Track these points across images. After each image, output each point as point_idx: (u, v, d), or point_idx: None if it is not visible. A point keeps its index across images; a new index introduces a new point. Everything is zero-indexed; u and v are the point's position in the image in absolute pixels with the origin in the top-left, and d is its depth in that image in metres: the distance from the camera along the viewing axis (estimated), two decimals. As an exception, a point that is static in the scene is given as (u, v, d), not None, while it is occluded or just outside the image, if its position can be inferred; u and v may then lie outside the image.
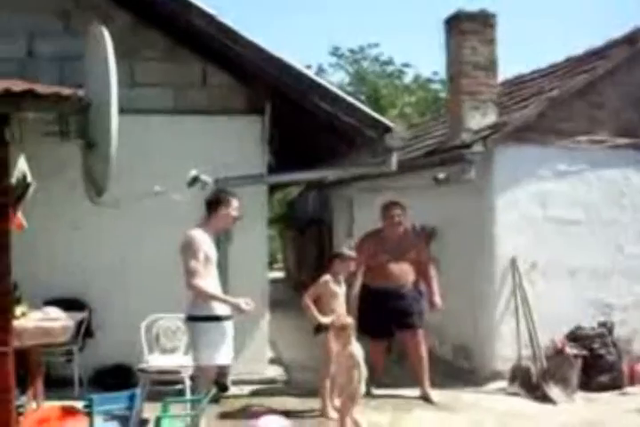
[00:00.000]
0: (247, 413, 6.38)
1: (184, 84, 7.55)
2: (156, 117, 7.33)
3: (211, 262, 5.63)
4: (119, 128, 5.25)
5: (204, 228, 5.65)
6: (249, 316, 5.82)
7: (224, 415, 6.42)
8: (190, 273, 5.47)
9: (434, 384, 7.17)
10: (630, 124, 7.91)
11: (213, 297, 5.55)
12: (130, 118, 6.19)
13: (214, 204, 5.73)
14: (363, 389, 5.72)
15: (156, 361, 6.30)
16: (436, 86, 23.15)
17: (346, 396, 5.74)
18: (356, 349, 5.79)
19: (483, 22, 8.22)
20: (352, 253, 6.62)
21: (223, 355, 5.58)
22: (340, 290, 6.51)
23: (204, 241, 5.57)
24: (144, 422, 5.46)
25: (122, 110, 5.50)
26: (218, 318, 5.52)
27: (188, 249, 5.51)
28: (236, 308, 5.54)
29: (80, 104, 4.58)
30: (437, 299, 7.18)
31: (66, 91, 4.52)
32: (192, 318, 5.60)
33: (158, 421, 5.00)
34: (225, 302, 5.57)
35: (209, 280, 5.58)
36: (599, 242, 7.88)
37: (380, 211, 7.32)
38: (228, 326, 5.62)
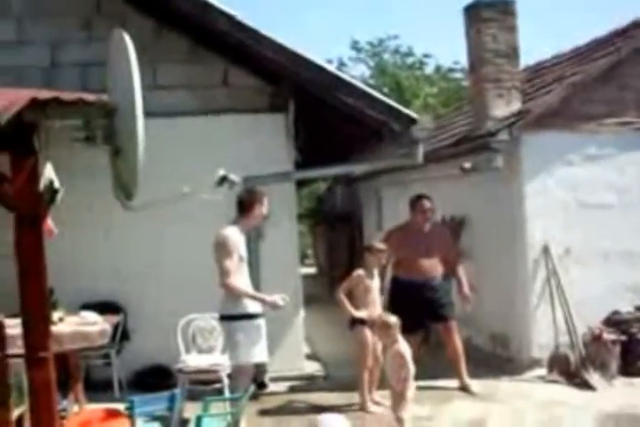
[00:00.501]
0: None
1: (207, 85, 7.59)
2: (180, 119, 7.38)
3: (244, 260, 5.67)
4: (144, 131, 5.30)
5: (238, 226, 5.69)
6: (283, 311, 5.84)
7: (264, 412, 6.45)
8: (225, 273, 5.51)
9: (472, 374, 7.15)
10: (658, 104, 7.81)
11: (249, 295, 5.59)
12: (154, 121, 6.21)
13: (249, 202, 5.77)
14: (413, 387, 5.67)
15: (193, 361, 6.35)
16: (458, 75, 23.04)
17: (395, 395, 5.68)
18: (404, 347, 5.72)
19: (502, 10, 8.16)
20: (382, 246, 6.61)
21: (260, 352, 5.61)
22: (374, 283, 6.52)
23: (239, 240, 5.61)
24: (185, 422, 5.50)
25: (146, 113, 5.55)
26: (251, 316, 5.55)
27: (223, 248, 5.55)
28: (273, 305, 5.58)
29: (105, 109, 4.63)
30: (467, 290, 7.18)
31: (90, 97, 4.55)
32: (226, 317, 5.63)
33: (199, 420, 5.03)
34: (261, 300, 5.60)
35: (242, 279, 5.62)
36: (632, 225, 7.80)
37: (408, 204, 7.31)
38: (262, 323, 5.65)
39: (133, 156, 4.48)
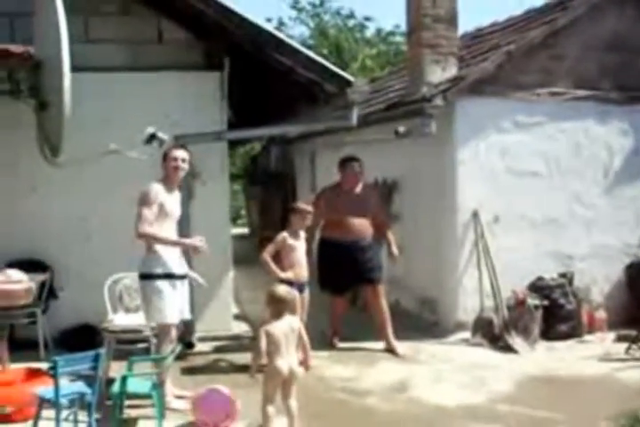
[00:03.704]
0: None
1: (140, 40, 7.39)
2: (112, 75, 7.17)
3: (169, 218, 5.59)
4: (73, 86, 5.16)
5: (161, 182, 5.61)
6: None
7: (190, 372, 6.47)
8: (140, 221, 5.42)
9: (398, 337, 7.25)
10: (590, 76, 7.92)
11: (165, 241, 5.50)
12: (85, 76, 6.13)
13: (163, 157, 5.71)
14: (287, 370, 4.85)
15: (120, 320, 6.29)
16: (398, 39, 22.97)
17: (265, 377, 4.94)
18: (269, 326, 4.89)
19: (443, -25, 8.12)
20: (306, 207, 6.59)
21: (171, 314, 5.53)
22: (299, 244, 6.51)
23: (161, 194, 5.52)
24: (110, 381, 5.47)
25: (76, 68, 5.40)
26: (166, 276, 5.49)
27: (142, 199, 5.48)
28: (193, 247, 5.55)
29: (31, 61, 4.49)
30: (395, 249, 7.27)
31: (16, 48, 4.42)
32: (142, 276, 5.59)
33: (124, 380, 5.02)
34: (178, 243, 5.55)
35: (166, 234, 5.54)
36: (559, 193, 7.96)
37: (337, 165, 7.32)
38: (179, 284, 5.60)
39: (59, 111, 4.37)
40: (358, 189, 7.23)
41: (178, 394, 5.66)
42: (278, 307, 4.97)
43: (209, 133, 7.17)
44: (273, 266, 6.33)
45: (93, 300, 6.51)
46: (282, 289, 5.14)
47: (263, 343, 4.80)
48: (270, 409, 4.86)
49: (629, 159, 8.15)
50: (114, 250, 6.94)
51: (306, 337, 5.06)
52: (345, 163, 7.24)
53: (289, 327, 4.93)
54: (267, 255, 6.36)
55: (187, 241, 5.60)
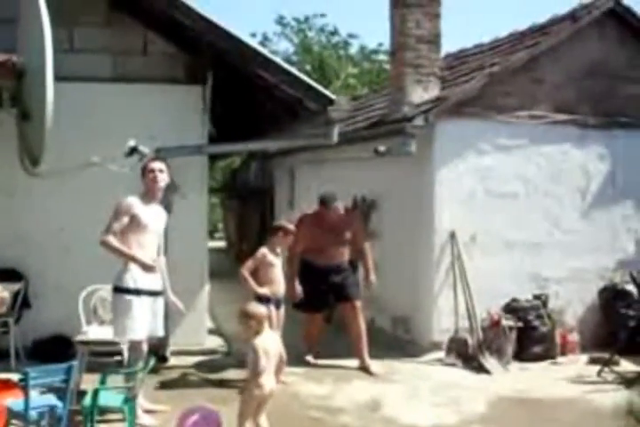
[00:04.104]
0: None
1: (124, 51, 7.39)
2: (94, 85, 7.16)
3: (147, 231, 5.53)
4: (56, 96, 5.14)
5: (140, 196, 5.58)
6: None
7: (163, 386, 6.42)
8: (105, 231, 5.37)
9: (373, 355, 7.25)
10: (570, 100, 8.02)
11: (122, 253, 5.42)
12: (67, 86, 6.10)
13: (141, 172, 5.67)
14: (267, 389, 4.78)
15: (94, 332, 6.24)
16: (382, 58, 23.10)
17: (245, 394, 4.86)
18: (262, 342, 4.81)
19: (428, -4, 8.19)
20: (292, 227, 6.61)
21: (140, 330, 5.48)
22: (277, 261, 6.51)
23: (136, 206, 5.47)
24: (82, 393, 5.42)
25: (59, 77, 5.39)
26: (140, 292, 5.45)
27: (114, 211, 5.44)
28: (143, 265, 5.44)
29: (14, 70, 4.46)
30: (372, 276, 7.29)
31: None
32: (113, 289, 5.55)
33: (96, 393, 4.97)
34: (132, 259, 5.43)
35: (144, 249, 5.49)
36: (536, 216, 8.02)
37: (318, 200, 7.25)
38: (154, 300, 5.56)
39: (41, 121, 4.34)
40: (337, 217, 7.18)
41: (148, 408, 5.61)
42: (259, 323, 4.88)
43: (190, 147, 7.17)
44: (251, 282, 6.34)
45: (68, 311, 6.46)
46: (254, 306, 5.07)
47: (263, 361, 4.72)
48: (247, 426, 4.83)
49: (606, 183, 8.23)
50: (91, 261, 6.87)
51: (284, 355, 5.04)
52: (326, 201, 7.15)
53: (276, 344, 4.94)
54: (246, 271, 6.36)
55: (140, 259, 5.45)
